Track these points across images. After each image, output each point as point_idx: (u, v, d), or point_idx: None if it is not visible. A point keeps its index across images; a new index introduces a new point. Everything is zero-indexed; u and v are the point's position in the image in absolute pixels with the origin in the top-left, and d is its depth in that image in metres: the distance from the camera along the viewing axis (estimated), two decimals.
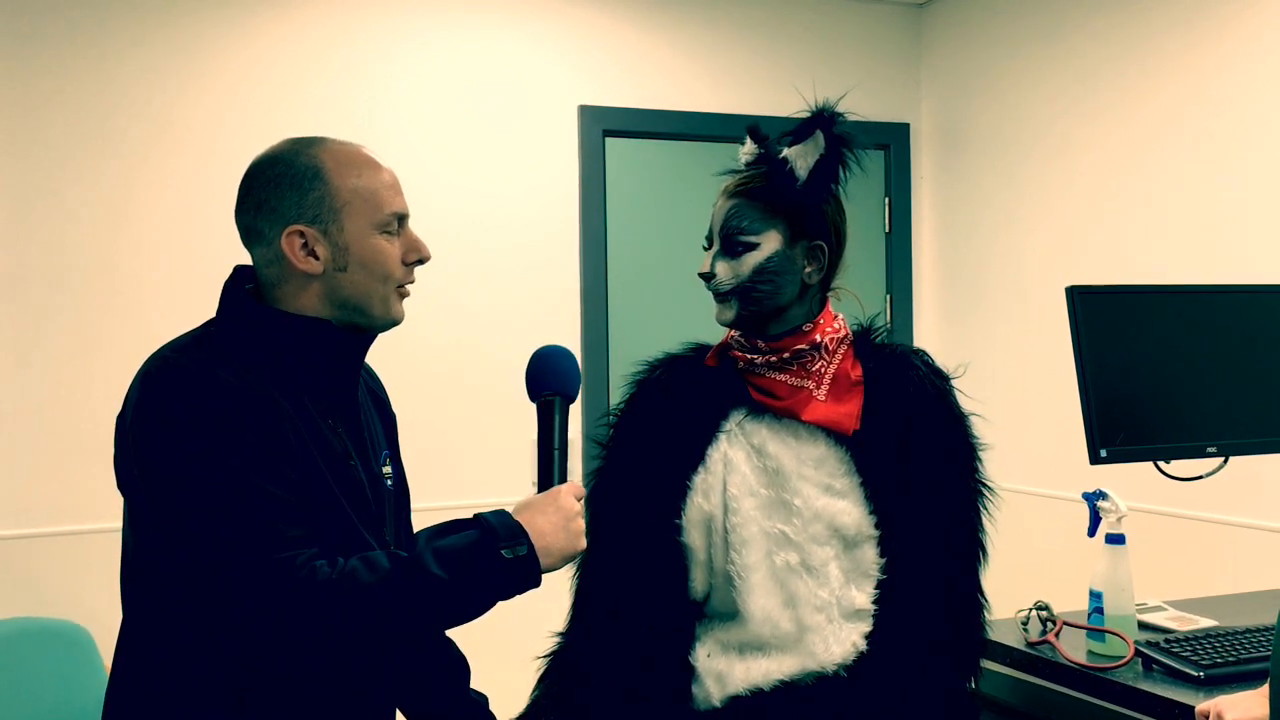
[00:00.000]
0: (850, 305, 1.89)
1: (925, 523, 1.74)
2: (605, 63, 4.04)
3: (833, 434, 1.75)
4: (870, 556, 1.73)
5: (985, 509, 1.81)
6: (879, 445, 1.75)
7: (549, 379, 1.62)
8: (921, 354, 1.86)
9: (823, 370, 1.78)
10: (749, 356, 1.79)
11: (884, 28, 4.43)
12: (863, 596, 1.73)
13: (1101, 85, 3.70)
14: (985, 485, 1.82)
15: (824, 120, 1.75)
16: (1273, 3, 3.17)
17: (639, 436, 1.81)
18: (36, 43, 3.41)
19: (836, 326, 1.82)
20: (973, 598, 1.80)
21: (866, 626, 1.72)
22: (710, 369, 1.83)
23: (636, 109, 4.06)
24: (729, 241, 1.77)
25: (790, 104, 4.42)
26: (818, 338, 1.78)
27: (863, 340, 1.85)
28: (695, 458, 1.77)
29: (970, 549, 1.79)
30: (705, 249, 1.82)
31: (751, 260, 1.75)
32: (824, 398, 1.76)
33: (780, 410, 1.77)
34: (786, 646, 1.71)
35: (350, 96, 3.73)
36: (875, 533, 1.73)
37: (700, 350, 1.89)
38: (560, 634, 1.86)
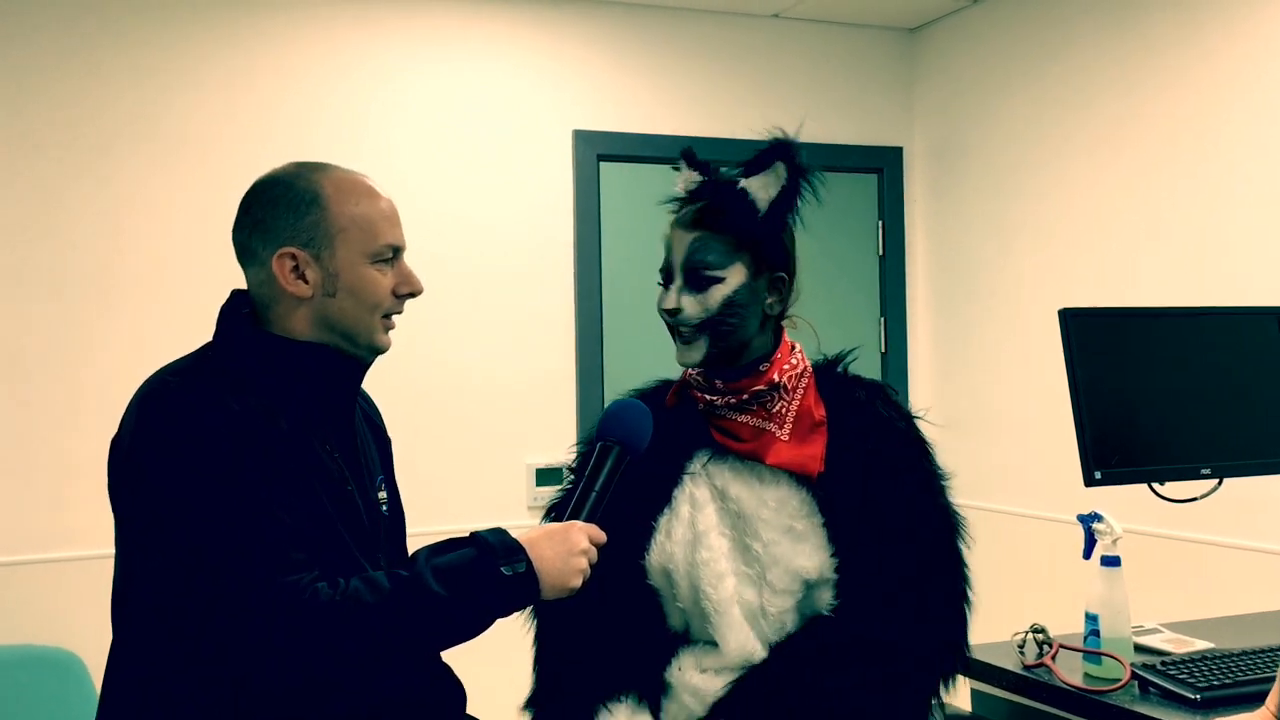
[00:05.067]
0: (805, 333, 1.86)
1: (882, 562, 1.69)
2: (600, 88, 4.06)
3: (796, 474, 1.73)
4: (825, 599, 1.71)
5: (961, 539, 1.77)
6: (842, 485, 1.72)
7: (619, 429, 1.63)
8: (886, 388, 1.83)
9: (784, 410, 1.75)
10: (708, 398, 1.76)
11: (876, 52, 4.45)
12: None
13: (1094, 108, 3.72)
14: (956, 514, 1.78)
15: (784, 150, 1.72)
16: (1263, 29, 3.19)
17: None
18: (36, 59, 3.42)
19: (794, 362, 1.79)
20: (945, 627, 1.74)
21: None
22: (672, 408, 1.80)
23: (631, 133, 4.08)
24: (694, 276, 1.72)
25: (785, 130, 4.43)
26: (775, 377, 1.75)
27: (825, 374, 1.82)
28: (661, 500, 1.75)
29: (945, 583, 1.74)
30: (661, 285, 1.77)
31: (719, 294, 1.72)
32: (787, 438, 1.73)
33: (744, 453, 1.74)
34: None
35: (354, 122, 3.74)
36: (834, 576, 1.70)
37: (665, 386, 1.87)
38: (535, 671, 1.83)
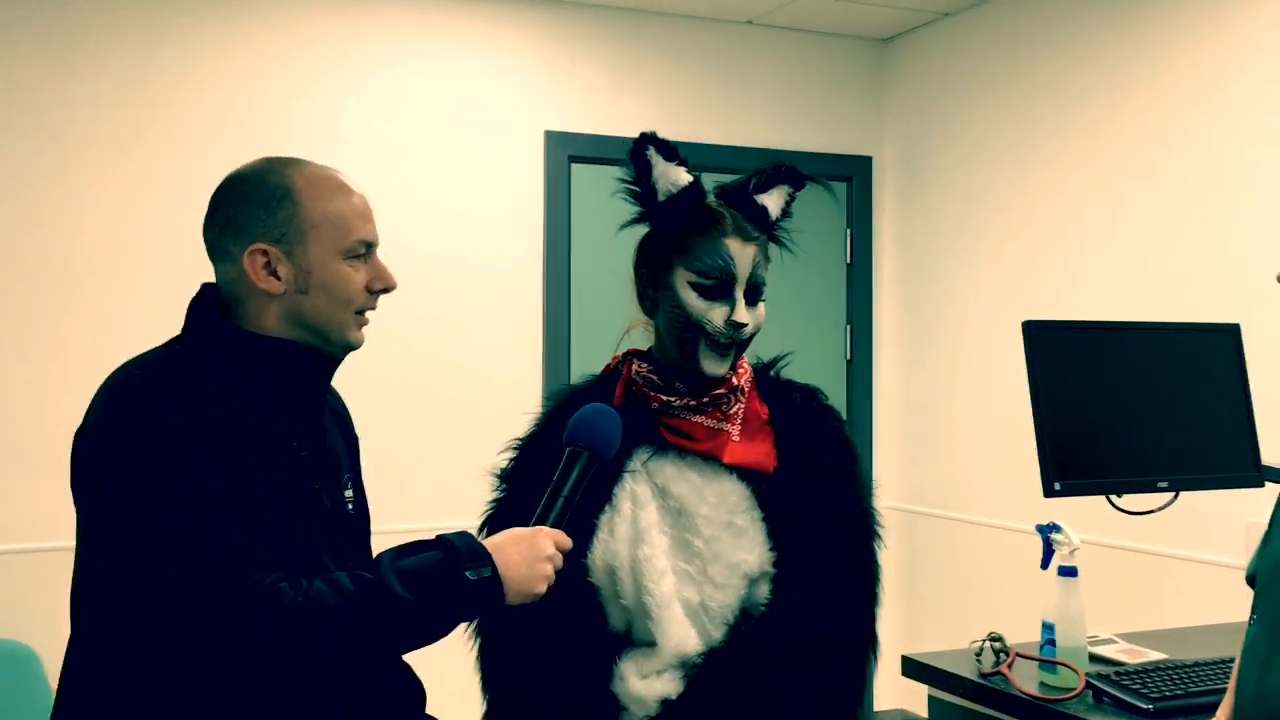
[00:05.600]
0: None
1: (816, 559, 1.71)
2: (572, 90, 4.07)
3: (736, 470, 1.75)
4: (764, 592, 1.72)
5: (878, 546, 1.79)
6: (781, 481, 1.74)
7: (588, 435, 1.61)
8: (819, 392, 1.86)
9: (737, 412, 1.78)
10: (665, 399, 1.76)
11: (848, 62, 4.48)
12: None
13: (1060, 122, 3.76)
14: (877, 522, 1.80)
15: (794, 177, 1.78)
16: (1226, 46, 3.24)
17: (544, 474, 1.64)
18: (3, 45, 3.39)
19: (744, 366, 1.82)
20: (858, 638, 1.75)
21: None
22: (617, 406, 1.78)
23: (602, 135, 4.09)
24: (754, 291, 1.75)
25: (755, 136, 4.47)
26: (735, 380, 1.78)
27: (762, 377, 1.85)
28: (602, 497, 1.75)
29: (867, 578, 1.77)
30: (712, 293, 1.72)
31: (763, 309, 1.77)
32: (738, 438, 1.76)
33: (699, 452, 1.75)
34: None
35: (326, 120, 3.73)
36: (773, 570, 1.72)
37: (598, 383, 1.85)
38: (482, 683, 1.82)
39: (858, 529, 1.77)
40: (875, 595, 1.78)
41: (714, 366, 1.73)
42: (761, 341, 1.90)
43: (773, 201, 1.78)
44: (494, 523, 1.80)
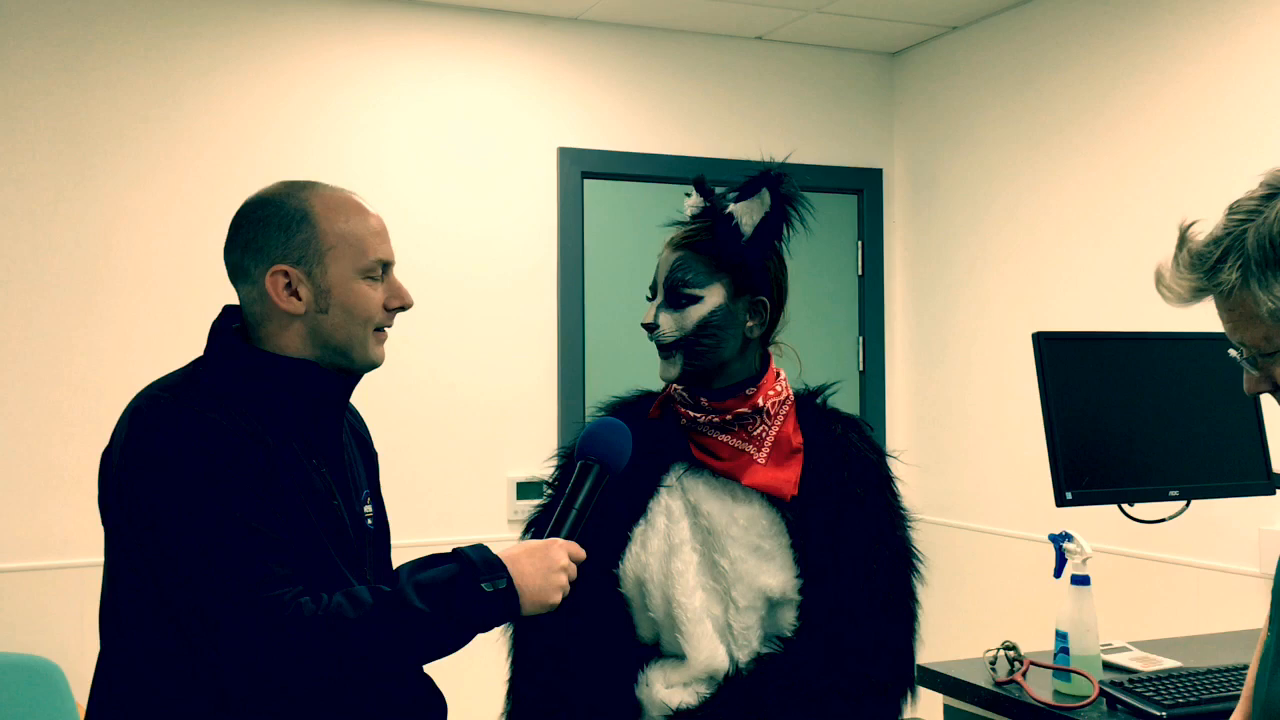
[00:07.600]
0: (789, 360, 1.90)
1: (846, 587, 1.72)
2: (585, 106, 4.10)
3: (769, 496, 1.77)
4: (789, 619, 1.74)
5: (917, 581, 1.80)
6: (813, 510, 1.75)
7: (599, 448, 1.65)
8: (863, 424, 1.87)
9: (764, 434, 1.79)
10: (692, 414, 1.80)
11: (858, 75, 4.51)
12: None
13: (1069, 134, 3.78)
14: (916, 555, 1.81)
15: (770, 179, 1.78)
16: (1235, 58, 3.26)
17: None
18: (26, 68, 3.43)
19: (779, 389, 1.83)
20: (900, 658, 1.75)
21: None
22: (654, 420, 1.84)
23: (615, 151, 4.12)
24: (673, 293, 1.78)
25: (767, 150, 4.49)
26: (760, 401, 1.79)
27: (805, 404, 1.86)
28: (637, 510, 1.78)
29: (903, 615, 1.77)
30: (649, 299, 1.83)
31: (695, 314, 1.77)
32: (764, 462, 1.77)
33: (721, 471, 1.78)
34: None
35: (342, 137, 3.76)
36: (798, 597, 1.73)
37: (646, 398, 1.91)
38: (508, 689, 1.86)
39: (896, 562, 1.77)
40: (913, 632, 1.77)
41: (660, 369, 1.81)
42: (781, 360, 1.91)
43: (746, 208, 1.78)
44: (538, 524, 1.87)
